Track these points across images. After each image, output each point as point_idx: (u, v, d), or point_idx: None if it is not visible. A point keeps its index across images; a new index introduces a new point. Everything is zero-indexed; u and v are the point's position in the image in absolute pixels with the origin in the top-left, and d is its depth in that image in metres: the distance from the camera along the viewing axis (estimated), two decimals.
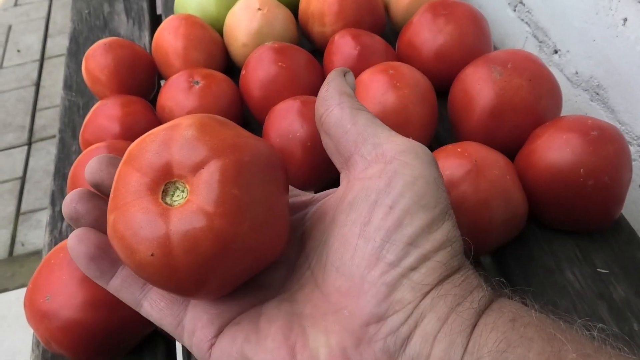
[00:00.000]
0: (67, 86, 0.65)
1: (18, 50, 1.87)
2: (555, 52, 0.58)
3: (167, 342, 0.41)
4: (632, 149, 0.49)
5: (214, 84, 0.51)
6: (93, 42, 0.68)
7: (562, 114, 0.46)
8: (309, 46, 0.60)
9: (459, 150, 0.40)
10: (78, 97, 0.64)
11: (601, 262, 0.41)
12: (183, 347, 0.40)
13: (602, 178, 0.39)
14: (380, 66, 0.47)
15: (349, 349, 0.21)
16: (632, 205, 0.49)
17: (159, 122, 0.52)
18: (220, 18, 0.61)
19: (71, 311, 0.35)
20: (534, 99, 0.43)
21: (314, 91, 0.50)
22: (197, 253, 0.20)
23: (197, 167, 0.21)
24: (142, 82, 0.57)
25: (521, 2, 0.62)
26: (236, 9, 0.57)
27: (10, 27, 1.97)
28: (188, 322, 0.23)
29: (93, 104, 0.61)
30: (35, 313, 0.36)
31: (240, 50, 0.57)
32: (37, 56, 1.84)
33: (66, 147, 0.58)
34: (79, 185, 0.44)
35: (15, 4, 2.08)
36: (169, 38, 0.56)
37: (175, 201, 0.21)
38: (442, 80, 0.51)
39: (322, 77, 0.53)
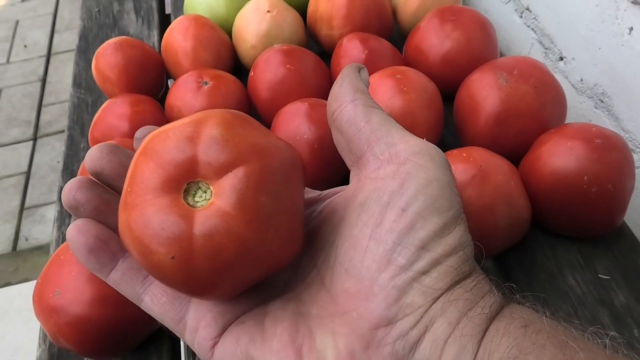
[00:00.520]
0: (76, 84, 0.66)
1: (25, 46, 1.88)
2: (561, 59, 0.58)
3: (172, 339, 0.42)
4: (635, 156, 0.49)
5: (222, 85, 0.52)
6: (102, 40, 0.69)
7: (566, 121, 0.46)
8: (316, 49, 0.60)
9: (464, 155, 0.41)
10: (87, 94, 0.64)
11: (603, 269, 0.41)
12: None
13: (605, 185, 0.39)
14: (387, 70, 0.48)
15: (357, 352, 0.20)
16: (635, 213, 0.50)
17: (168, 122, 0.52)
18: (229, 19, 0.61)
19: (80, 307, 0.36)
20: (539, 105, 0.44)
21: (322, 94, 0.51)
22: (219, 259, 0.19)
23: (224, 169, 0.20)
24: (151, 82, 0.58)
25: (528, 9, 0.63)
26: (245, 11, 0.58)
27: (17, 23, 1.98)
28: (191, 320, 0.23)
29: (102, 102, 0.62)
30: (44, 308, 0.37)
31: (249, 52, 0.58)
32: (44, 52, 1.85)
33: (74, 144, 0.59)
34: None
35: (23, 0, 2.09)
36: (178, 38, 0.57)
37: (197, 202, 0.20)
38: (448, 85, 0.51)
39: (330, 80, 0.54)
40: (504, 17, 0.68)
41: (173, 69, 0.58)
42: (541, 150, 0.42)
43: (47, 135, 1.59)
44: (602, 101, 0.53)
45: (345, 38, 0.54)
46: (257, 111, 0.54)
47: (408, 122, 0.45)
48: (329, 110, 0.25)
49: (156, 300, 0.23)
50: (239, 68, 0.61)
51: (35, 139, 1.58)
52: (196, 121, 0.21)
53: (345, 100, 0.24)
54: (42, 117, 1.64)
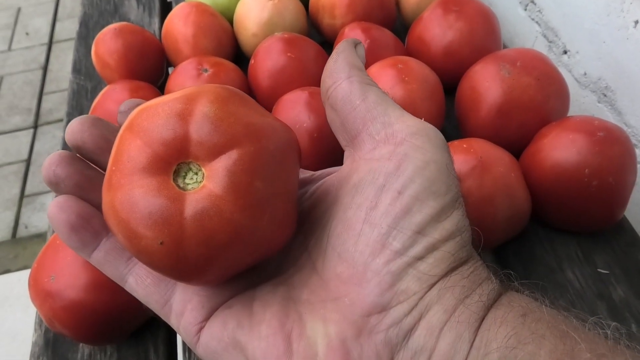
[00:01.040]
0: (76, 70, 0.66)
1: (27, 33, 1.87)
2: (565, 52, 0.58)
3: (167, 326, 0.42)
4: (637, 151, 0.49)
5: (222, 72, 0.51)
6: (103, 26, 0.69)
7: (569, 114, 0.46)
8: (318, 38, 0.60)
9: (464, 146, 0.40)
10: (86, 80, 0.64)
11: (602, 263, 0.41)
12: None
13: (606, 179, 0.39)
14: (389, 60, 0.47)
15: (349, 340, 0.19)
16: (635, 207, 0.49)
17: None
18: (230, 7, 0.61)
19: (75, 292, 0.36)
20: (542, 98, 0.43)
21: None
22: (210, 245, 0.18)
23: (217, 151, 0.19)
24: (151, 68, 0.58)
25: (532, 2, 0.62)
26: None
27: (19, 10, 1.97)
28: (177, 303, 0.22)
29: (101, 88, 0.61)
30: (40, 292, 0.37)
31: (250, 40, 0.57)
32: (46, 39, 1.85)
33: None
34: None
35: None
36: (179, 25, 0.56)
37: (188, 185, 0.19)
38: (450, 77, 0.51)
39: None
40: (508, 9, 0.68)
41: (173, 55, 0.58)
42: (542, 143, 0.41)
43: (48, 123, 1.58)
44: (605, 95, 0.53)
45: (347, 27, 0.54)
46: (257, 99, 0.53)
47: (409, 113, 0.45)
48: (323, 87, 0.24)
49: (141, 282, 0.22)
50: (239, 56, 0.61)
51: (36, 126, 1.58)
52: (188, 97, 0.19)
53: (340, 77, 0.23)
54: (43, 105, 1.63)
